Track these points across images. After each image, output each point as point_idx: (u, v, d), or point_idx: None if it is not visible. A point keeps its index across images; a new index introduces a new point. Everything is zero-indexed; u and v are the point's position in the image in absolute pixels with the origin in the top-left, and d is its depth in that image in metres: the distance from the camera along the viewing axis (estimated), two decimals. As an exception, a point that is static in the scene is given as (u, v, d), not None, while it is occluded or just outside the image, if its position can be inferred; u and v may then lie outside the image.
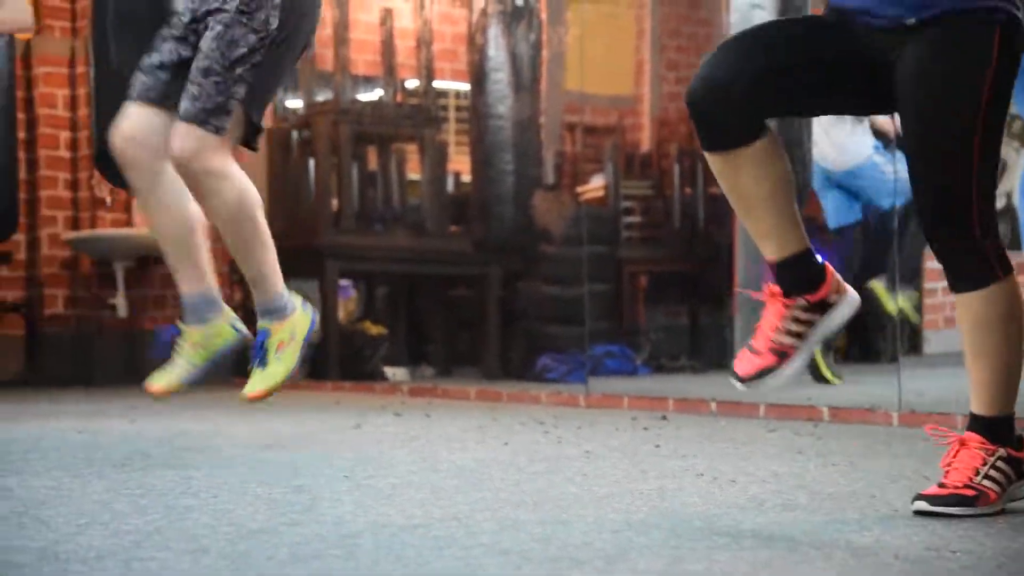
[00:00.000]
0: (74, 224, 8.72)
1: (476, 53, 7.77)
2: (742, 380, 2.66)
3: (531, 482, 3.06)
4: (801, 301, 2.66)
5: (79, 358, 8.51)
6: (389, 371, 7.67)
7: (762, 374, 2.64)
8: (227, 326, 3.94)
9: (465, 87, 8.36)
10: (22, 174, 7.94)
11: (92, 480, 3.14)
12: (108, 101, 5.23)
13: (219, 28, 3.69)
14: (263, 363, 3.72)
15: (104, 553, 2.09)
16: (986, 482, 2.62)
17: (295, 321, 3.77)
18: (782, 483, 3.01)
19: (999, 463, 2.65)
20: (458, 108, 8.74)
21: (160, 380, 3.87)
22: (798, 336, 2.66)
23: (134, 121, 3.81)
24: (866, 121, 6.53)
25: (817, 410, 4.93)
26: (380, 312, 8.30)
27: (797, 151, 6.11)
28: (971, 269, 2.57)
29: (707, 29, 8.79)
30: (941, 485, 2.62)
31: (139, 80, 3.86)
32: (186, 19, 3.83)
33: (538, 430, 4.48)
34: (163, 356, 3.99)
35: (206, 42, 3.72)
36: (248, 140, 3.81)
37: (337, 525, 2.39)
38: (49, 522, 2.44)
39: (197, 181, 3.67)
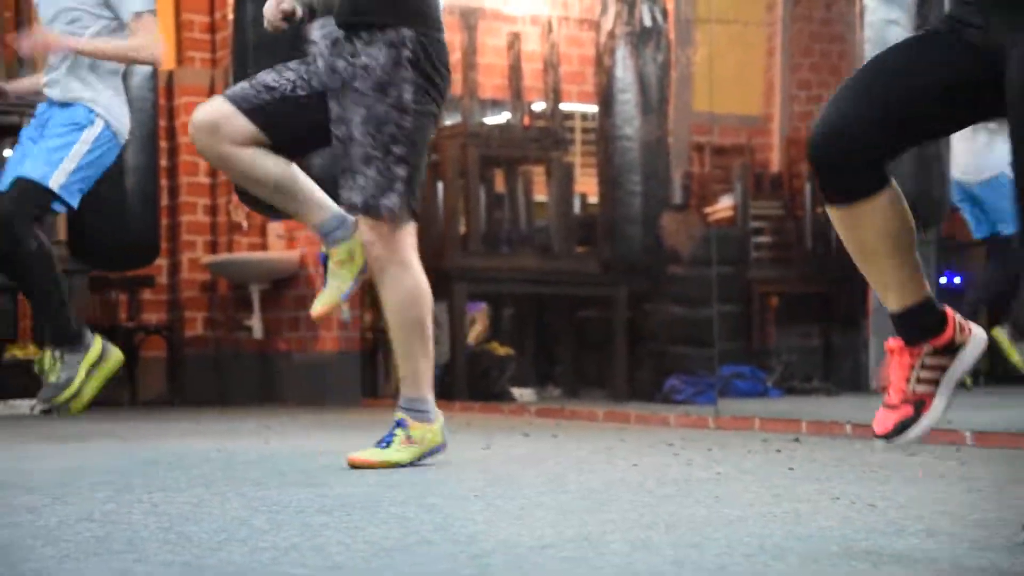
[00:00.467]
0: (212, 248, 8.88)
1: (604, 75, 7.78)
2: (883, 437, 2.63)
3: (661, 504, 2.98)
4: (927, 348, 2.63)
5: (217, 379, 8.68)
6: (516, 392, 7.68)
7: (902, 427, 2.60)
8: (439, 429, 4.03)
9: (592, 109, 8.36)
10: (164, 201, 8.15)
11: (231, 497, 3.16)
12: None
13: (363, 111, 3.77)
14: (386, 444, 3.87)
15: (244, 569, 2.12)
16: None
17: (433, 430, 3.91)
18: (923, 508, 2.89)
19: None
20: (584, 130, 8.74)
21: (321, 302, 3.99)
22: (931, 383, 2.62)
23: (214, 112, 3.92)
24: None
25: (960, 434, 4.76)
26: (507, 333, 8.32)
27: (936, 166, 6.06)
28: None
29: (840, 46, 8.70)
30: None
31: (240, 86, 3.98)
32: (320, 60, 3.94)
33: (667, 452, 4.42)
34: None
35: (356, 130, 3.79)
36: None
37: (468, 544, 2.35)
38: (192, 537, 2.47)
39: (381, 268, 3.79)
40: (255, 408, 7.67)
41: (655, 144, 7.75)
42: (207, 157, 4.13)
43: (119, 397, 8.25)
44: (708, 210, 8.61)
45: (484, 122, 8.51)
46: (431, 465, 4.00)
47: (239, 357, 8.74)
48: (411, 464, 3.85)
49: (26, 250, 4.98)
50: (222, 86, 8.68)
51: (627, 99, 7.66)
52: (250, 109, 3.86)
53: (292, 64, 3.99)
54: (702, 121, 8.85)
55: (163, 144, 7.93)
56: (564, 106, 8.62)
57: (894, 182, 2.61)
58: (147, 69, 6.32)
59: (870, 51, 6.06)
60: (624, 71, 7.65)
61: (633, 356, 8.05)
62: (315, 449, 4.69)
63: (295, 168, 3.99)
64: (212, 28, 8.86)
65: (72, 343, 5.06)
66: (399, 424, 3.88)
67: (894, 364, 2.65)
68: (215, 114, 3.90)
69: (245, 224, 8.69)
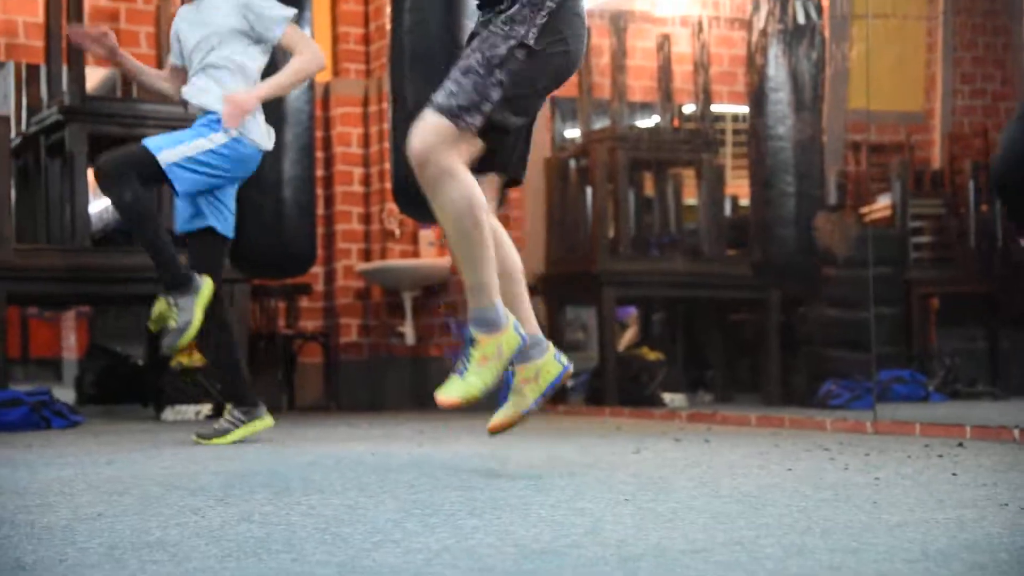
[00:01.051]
0: (366, 256, 9.02)
1: (755, 74, 7.75)
2: None
3: (817, 509, 2.92)
4: None
5: (371, 384, 8.78)
6: (667, 397, 7.68)
7: None
8: (553, 360, 4.01)
9: (743, 109, 8.32)
10: (320, 210, 8.31)
11: (385, 500, 3.20)
12: (405, 138, 5.46)
13: (484, 33, 3.80)
14: (461, 372, 3.74)
15: (398, 570, 2.15)
16: None
17: (504, 338, 3.75)
18: None
19: None
20: (736, 131, 8.72)
21: (498, 418, 4.00)
22: None
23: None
24: None
25: None
26: (658, 338, 8.33)
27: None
28: None
29: (1005, 38, 8.56)
30: None
31: None
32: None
33: (823, 456, 4.37)
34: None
35: (471, 46, 3.83)
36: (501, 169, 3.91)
37: (619, 547, 2.35)
38: (348, 539, 2.51)
39: (431, 177, 3.69)
40: (408, 412, 7.77)
41: (809, 143, 7.70)
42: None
43: (278, 402, 8.41)
44: (864, 210, 8.51)
45: (634, 125, 8.53)
46: (581, 468, 4.02)
47: (392, 362, 8.85)
48: (491, 385, 3.75)
49: (119, 200, 5.27)
50: (375, 97, 8.82)
51: (780, 98, 7.62)
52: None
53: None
54: (858, 119, 8.75)
55: (319, 155, 8.07)
56: (715, 107, 8.62)
57: None
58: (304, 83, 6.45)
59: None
60: (777, 70, 7.62)
61: (787, 360, 7.99)
62: (466, 452, 4.75)
63: (520, 276, 4.08)
64: (367, 40, 9.00)
65: (184, 287, 5.26)
66: (471, 343, 3.75)
67: None
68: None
69: (398, 232, 8.80)
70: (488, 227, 3.75)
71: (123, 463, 4.46)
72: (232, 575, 2.14)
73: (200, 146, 5.31)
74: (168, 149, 5.26)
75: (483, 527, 2.66)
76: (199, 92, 5.45)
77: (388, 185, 7.59)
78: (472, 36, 3.99)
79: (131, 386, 8.52)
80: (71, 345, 11.85)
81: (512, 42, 3.76)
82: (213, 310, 5.36)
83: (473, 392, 3.70)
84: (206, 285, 5.36)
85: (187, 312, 5.25)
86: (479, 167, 3.85)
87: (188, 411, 7.55)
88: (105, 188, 5.31)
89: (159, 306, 5.34)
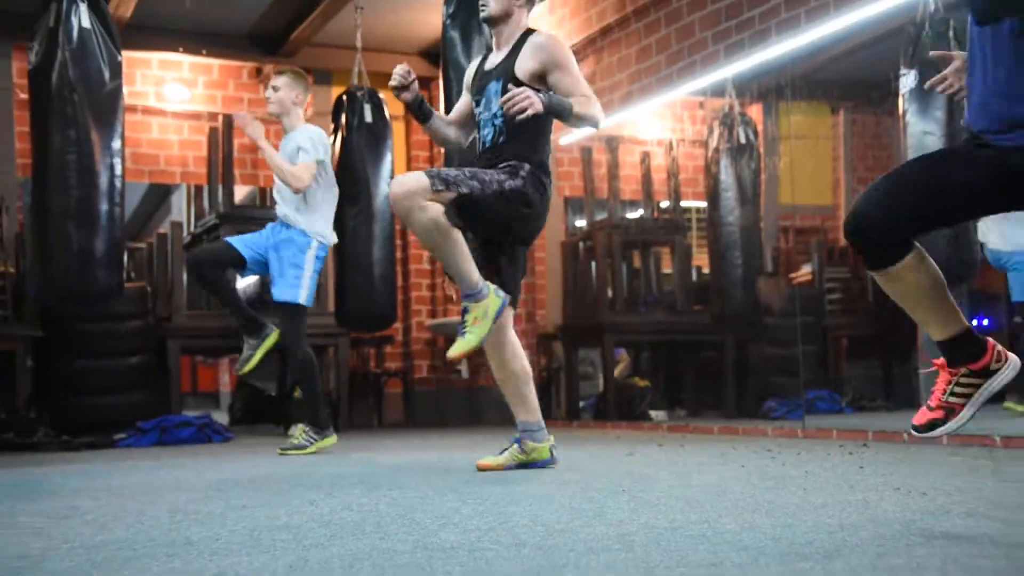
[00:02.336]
0: (432, 314, 9.02)
1: (711, 179, 7.74)
2: (916, 429, 2.60)
3: (763, 495, 2.96)
4: (964, 370, 2.57)
5: (437, 408, 8.76)
6: (653, 413, 7.64)
7: (931, 426, 2.58)
8: (547, 448, 4.02)
9: (703, 204, 8.33)
10: (399, 282, 8.37)
11: (447, 493, 3.20)
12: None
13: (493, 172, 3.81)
14: (462, 333, 3.73)
15: (456, 544, 2.17)
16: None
17: (488, 303, 3.74)
18: (965, 496, 2.86)
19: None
20: (698, 220, 8.72)
21: (459, 348, 3.78)
22: (963, 396, 2.57)
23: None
24: None
25: (991, 439, 4.67)
26: (645, 370, 8.32)
27: (965, 234, 5.89)
28: None
29: (888, 152, 8.56)
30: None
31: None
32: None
33: (766, 456, 4.37)
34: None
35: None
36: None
37: (619, 526, 2.38)
38: (420, 522, 2.53)
39: (404, 208, 3.63)
40: (465, 429, 7.74)
41: (751, 228, 7.69)
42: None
43: (370, 421, 8.43)
44: (792, 275, 8.49)
45: (625, 216, 8.56)
46: (590, 468, 3.99)
47: (452, 392, 8.84)
48: (485, 337, 3.74)
49: (304, 358, 5.31)
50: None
51: (729, 196, 7.62)
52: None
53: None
54: (785, 210, 8.74)
55: (398, 242, 8.10)
56: (683, 203, 8.62)
57: (918, 246, 2.53)
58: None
59: (912, 155, 5.98)
60: (726, 176, 7.63)
61: (739, 385, 7.94)
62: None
63: (529, 380, 4.07)
64: (431, 159, 9.03)
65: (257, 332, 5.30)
66: (465, 311, 3.75)
67: (939, 377, 2.60)
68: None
69: (454, 296, 8.83)
70: (454, 232, 3.69)
71: (261, 467, 4.50)
72: (337, 550, 2.15)
73: (309, 271, 5.33)
74: (300, 291, 5.28)
75: (519, 512, 2.67)
76: (283, 209, 5.52)
77: (442, 266, 7.54)
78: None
79: (267, 411, 8.55)
80: (225, 382, 11.92)
81: (496, 180, 3.76)
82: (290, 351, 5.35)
83: (473, 343, 3.72)
84: (273, 334, 5.35)
85: (250, 350, 5.26)
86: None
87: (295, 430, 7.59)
88: (289, 347, 5.35)
89: (296, 434, 5.45)
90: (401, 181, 3.68)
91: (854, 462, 3.98)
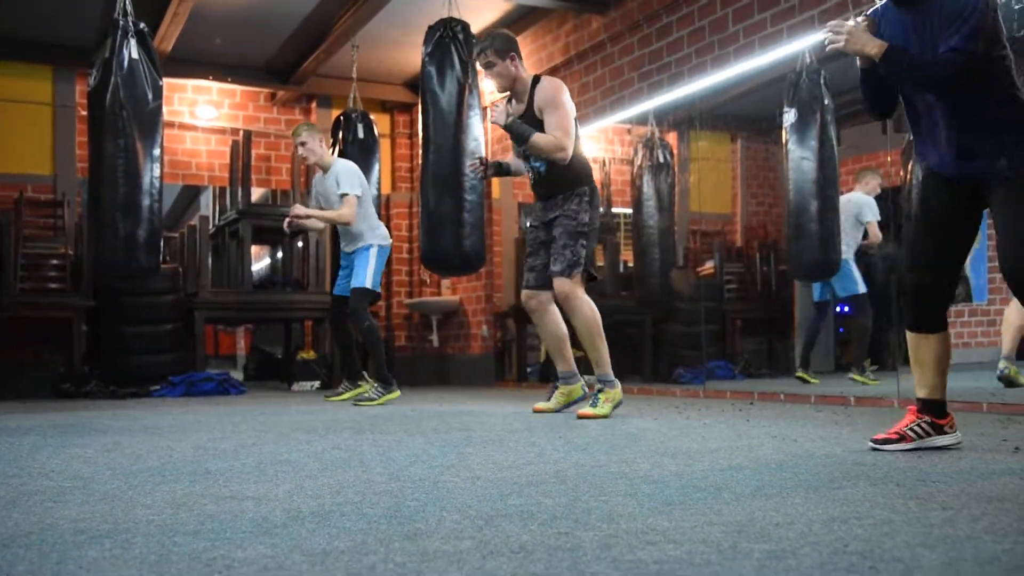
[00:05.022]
0: (409, 295, 9.01)
1: (636, 190, 7.77)
2: (874, 442, 2.67)
3: (671, 441, 2.97)
4: (926, 419, 2.65)
5: (412, 370, 8.77)
6: (587, 378, 7.66)
7: (886, 442, 2.64)
8: (580, 387, 4.21)
9: (629, 211, 8.39)
10: (418, 276, 8.36)
11: (417, 437, 3.17)
12: (427, 227, 5.50)
13: (564, 223, 3.94)
14: (596, 402, 3.94)
15: (424, 477, 2.20)
16: (909, 431, 2.65)
17: (618, 393, 4.01)
18: (825, 441, 2.90)
19: (922, 423, 2.66)
20: (625, 223, 8.78)
21: (542, 405, 4.23)
22: (917, 436, 2.64)
23: (529, 297, 4.12)
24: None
25: (847, 398, 4.76)
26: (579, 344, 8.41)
27: (831, 240, 6.00)
28: None
29: (774, 172, 8.64)
30: (889, 431, 2.68)
31: (527, 276, 4.14)
32: (538, 228, 4.08)
33: (675, 411, 4.41)
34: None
35: (560, 236, 3.95)
36: (591, 279, 4.04)
37: (554, 464, 2.39)
38: (395, 459, 2.55)
39: (569, 306, 3.91)
40: (434, 387, 7.77)
41: (666, 230, 7.72)
42: (535, 317, 4.24)
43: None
44: (699, 269, 8.56)
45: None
46: (540, 423, 3.99)
47: (425, 357, 8.84)
48: (611, 415, 3.96)
49: (369, 326, 5.30)
50: (416, 201, 8.85)
51: (650, 204, 7.65)
52: (538, 285, 4.13)
53: (529, 248, 4.19)
54: (694, 216, 8.80)
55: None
56: (615, 209, 8.67)
57: (948, 327, 2.62)
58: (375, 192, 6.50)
59: (791, 176, 6.03)
60: (648, 188, 7.66)
61: (656, 356, 7.99)
62: (467, 410, 4.71)
63: (567, 339, 4.20)
64: (411, 169, 9.02)
65: (386, 383, 5.31)
66: (600, 391, 3.97)
67: (908, 415, 2.68)
68: (531, 300, 4.14)
69: (428, 280, 8.84)
70: (601, 329, 4.01)
71: (268, 414, 4.50)
72: (327, 480, 2.17)
73: (373, 266, 5.37)
74: (367, 278, 5.31)
75: (475, 453, 2.69)
76: (349, 243, 5.57)
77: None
78: (543, 223, 4.09)
79: (275, 370, 8.54)
80: (241, 346, 11.82)
81: (578, 226, 3.95)
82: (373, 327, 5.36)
83: (603, 413, 3.92)
84: (359, 389, 5.58)
85: (377, 395, 5.26)
86: (544, 284, 4.04)
87: (306, 385, 7.57)
88: (358, 322, 5.33)
89: (365, 386, 5.53)
90: (560, 287, 3.93)
91: (742, 416, 4.04)
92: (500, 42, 4.00)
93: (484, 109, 5.91)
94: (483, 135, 5.64)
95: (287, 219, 5.47)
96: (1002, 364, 5.02)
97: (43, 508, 1.84)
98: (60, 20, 7.05)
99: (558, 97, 3.93)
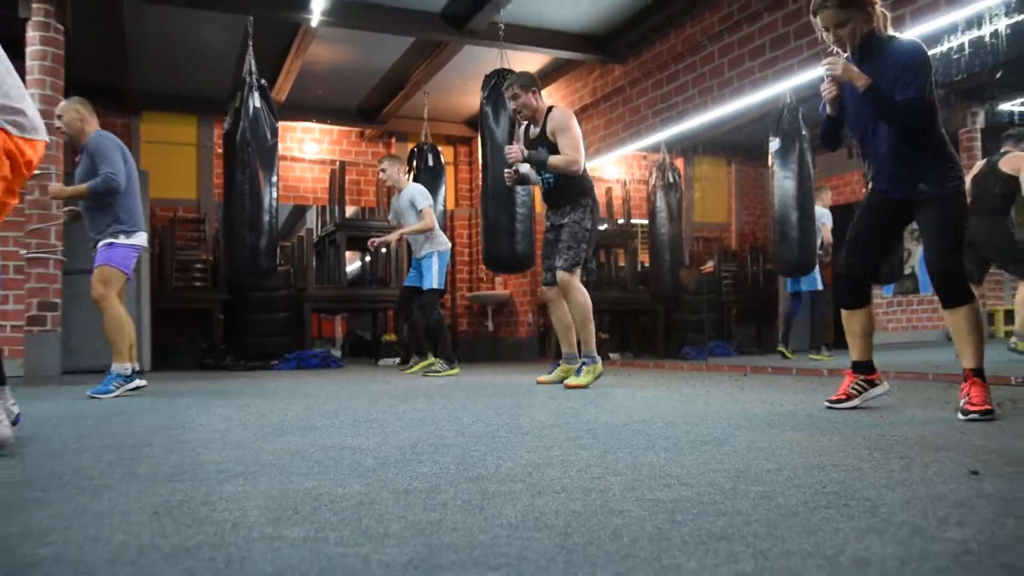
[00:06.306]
0: (470, 289, 9.02)
1: (651, 204, 7.73)
2: (829, 402, 2.68)
3: (680, 406, 2.90)
4: (860, 378, 2.68)
5: (472, 350, 8.75)
6: (612, 355, 7.61)
7: (837, 402, 2.66)
8: (573, 369, 4.06)
9: (645, 221, 8.34)
10: (476, 274, 8.34)
11: (478, 402, 3.13)
12: (488, 234, 5.48)
13: (570, 228, 3.85)
14: (579, 373, 3.84)
15: (484, 434, 2.14)
16: (852, 390, 2.67)
17: (599, 367, 3.87)
18: (805, 405, 2.83)
19: (858, 382, 2.68)
20: (642, 231, 8.72)
21: (545, 377, 4.08)
22: (857, 393, 2.67)
23: (545, 291, 3.99)
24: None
25: (821, 371, 4.67)
26: (606, 327, 8.33)
27: (809, 240, 5.91)
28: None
29: (762, 189, 8.55)
30: (837, 395, 2.69)
31: (544, 274, 3.99)
32: (549, 231, 3.99)
33: (683, 383, 4.31)
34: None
35: (564, 235, 3.86)
36: (584, 276, 3.90)
37: (587, 424, 2.34)
38: (462, 419, 2.50)
39: (566, 292, 3.80)
40: (489, 364, 7.77)
41: (676, 236, 7.65)
42: (551, 306, 4.08)
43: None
44: (702, 268, 8.49)
45: (599, 229, 8.55)
46: (569, 389, 4.00)
47: (482, 340, 8.84)
48: (590, 385, 3.83)
49: (437, 318, 5.26)
50: (476, 215, 8.86)
51: (662, 216, 7.59)
52: (551, 282, 3.96)
53: (545, 250, 4.06)
54: (697, 225, 8.75)
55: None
56: (633, 220, 8.61)
57: (871, 302, 2.65)
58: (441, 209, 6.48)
59: (776, 192, 5.94)
60: (660, 202, 7.60)
61: (667, 337, 7.92)
62: (517, 381, 4.66)
63: (572, 328, 4.03)
64: (471, 188, 9.03)
65: (451, 362, 5.28)
66: (585, 363, 3.84)
67: (847, 379, 2.70)
68: (549, 293, 4.03)
69: (485, 277, 8.84)
70: (591, 314, 3.85)
71: (360, 383, 4.50)
72: (407, 435, 2.16)
73: (438, 268, 5.31)
74: (432, 280, 5.27)
75: (524, 415, 2.66)
76: (419, 249, 5.48)
77: (479, 256, 7.65)
78: (552, 227, 4.00)
79: (365, 349, 8.62)
80: (338, 330, 11.96)
81: (579, 232, 3.84)
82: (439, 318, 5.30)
83: (584, 383, 3.78)
84: (425, 362, 5.50)
85: (442, 368, 5.27)
86: (556, 281, 3.91)
87: (388, 361, 7.61)
88: (429, 317, 5.29)
89: (431, 359, 5.46)
90: (562, 279, 3.81)
91: (737, 386, 3.98)
92: (524, 79, 3.98)
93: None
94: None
95: (371, 240, 5.49)
96: (1013, 339, 4.92)
97: (194, 453, 1.88)
98: (202, 79, 7.19)
99: (568, 123, 3.90)
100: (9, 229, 5.16)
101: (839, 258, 2.65)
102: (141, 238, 3.82)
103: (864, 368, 2.69)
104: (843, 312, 2.64)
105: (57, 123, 3.82)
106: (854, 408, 2.65)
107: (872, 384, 2.70)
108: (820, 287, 6.22)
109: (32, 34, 4.91)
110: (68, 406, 3.24)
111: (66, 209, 4.03)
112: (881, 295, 7.00)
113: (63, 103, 3.83)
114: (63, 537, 1.11)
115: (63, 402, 3.47)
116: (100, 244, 3.76)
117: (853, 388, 2.69)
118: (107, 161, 3.67)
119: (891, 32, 2.51)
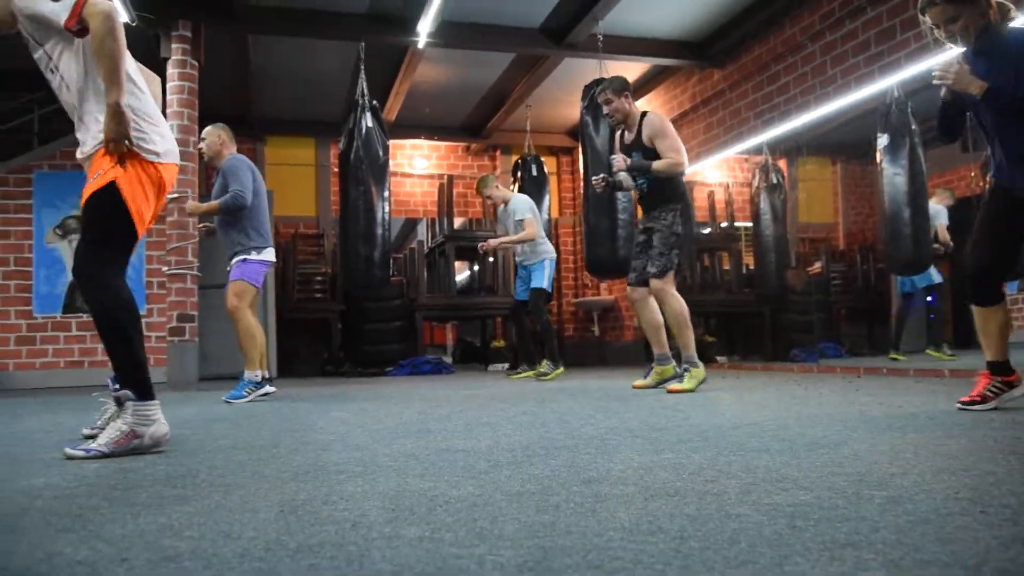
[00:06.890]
0: (575, 295, 9.01)
1: (754, 206, 7.50)
2: (961, 403, 2.56)
3: (792, 408, 2.79)
4: (998, 379, 2.56)
5: (579, 354, 8.64)
6: (719, 358, 7.45)
7: (971, 404, 2.54)
8: (672, 368, 3.95)
9: (749, 224, 8.08)
10: (581, 280, 8.34)
11: (586, 405, 3.10)
12: (590, 242, 5.45)
13: (662, 233, 3.75)
14: (680, 380, 3.72)
15: (593, 436, 2.12)
16: (988, 392, 2.52)
17: (702, 372, 3.73)
18: (926, 407, 2.67)
19: (996, 384, 2.54)
20: (746, 233, 8.44)
21: (640, 382, 3.98)
22: (994, 395, 2.54)
23: (632, 292, 3.86)
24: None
25: (942, 372, 4.39)
26: (713, 330, 8.12)
27: (924, 238, 5.55)
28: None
29: (870, 187, 8.09)
30: (970, 396, 2.54)
31: (631, 275, 3.89)
32: (641, 233, 3.89)
33: (794, 384, 4.19)
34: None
35: (656, 241, 3.76)
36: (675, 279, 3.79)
37: (698, 426, 2.23)
38: (569, 422, 2.48)
39: (661, 298, 3.70)
40: (596, 368, 7.72)
41: (780, 238, 7.41)
42: (636, 305, 3.92)
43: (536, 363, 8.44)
44: (809, 268, 8.12)
45: (699, 232, 8.37)
46: (678, 393, 3.93)
47: (589, 344, 8.81)
48: (695, 389, 3.70)
49: (545, 319, 5.27)
50: (579, 223, 8.83)
51: (766, 218, 7.37)
52: (638, 283, 3.86)
53: (634, 250, 3.94)
54: (803, 226, 8.39)
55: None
56: (736, 223, 8.36)
57: (1006, 299, 2.53)
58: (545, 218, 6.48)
59: (886, 189, 5.64)
60: (764, 204, 7.37)
61: (775, 339, 7.66)
62: (623, 385, 4.61)
63: (662, 327, 3.90)
64: (574, 197, 9.02)
65: (556, 361, 5.31)
66: (686, 371, 3.73)
67: (982, 379, 2.58)
68: (633, 294, 3.92)
69: (590, 283, 8.79)
70: (689, 320, 3.71)
71: (471, 388, 4.55)
72: (518, 437, 2.15)
73: (547, 272, 5.32)
74: (543, 282, 5.28)
75: (633, 418, 2.61)
76: (525, 259, 5.49)
77: (583, 263, 7.57)
78: (644, 230, 3.90)
79: (474, 355, 8.73)
80: (449, 337, 12.18)
81: (671, 236, 3.73)
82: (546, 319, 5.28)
83: (689, 388, 3.67)
84: (533, 372, 5.48)
85: (549, 370, 5.30)
86: (642, 282, 3.81)
87: (497, 366, 7.67)
88: (535, 314, 5.29)
89: (541, 366, 5.41)
90: (655, 286, 3.71)
91: (852, 388, 3.80)
92: (617, 83, 3.91)
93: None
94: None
95: (481, 245, 5.55)
96: None
97: (315, 454, 1.93)
98: (318, 104, 7.53)
99: (665, 127, 3.82)
100: (152, 248, 5.55)
101: (967, 256, 2.51)
102: (270, 254, 4.03)
103: (1001, 369, 2.54)
104: (976, 310, 2.49)
105: (201, 145, 4.09)
106: (992, 410, 2.50)
107: (1011, 386, 2.54)
108: (937, 280, 5.83)
109: (172, 71, 5.29)
110: (205, 409, 3.44)
111: (201, 225, 4.29)
112: (1006, 291, 6.48)
113: (208, 128, 4.11)
114: (199, 532, 1.15)
115: (202, 405, 3.68)
116: (235, 260, 3.98)
117: (990, 390, 2.53)
118: (237, 179, 3.91)
119: (1013, 22, 2.36)
